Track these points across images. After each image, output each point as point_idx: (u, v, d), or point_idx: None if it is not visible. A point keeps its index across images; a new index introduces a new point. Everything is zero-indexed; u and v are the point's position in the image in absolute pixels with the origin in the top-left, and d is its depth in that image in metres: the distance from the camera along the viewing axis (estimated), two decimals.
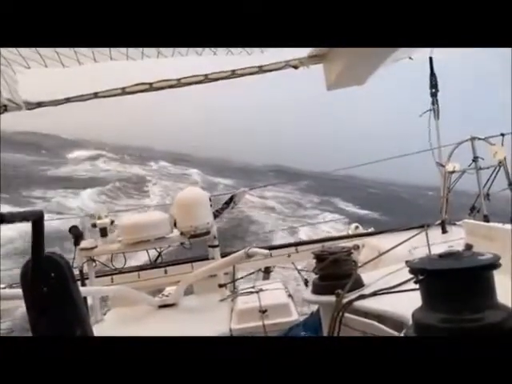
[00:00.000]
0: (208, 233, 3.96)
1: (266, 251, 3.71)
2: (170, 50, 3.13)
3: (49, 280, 1.67)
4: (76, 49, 2.90)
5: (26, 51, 2.89)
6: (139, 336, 1.32)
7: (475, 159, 4.69)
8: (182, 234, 3.93)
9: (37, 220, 1.69)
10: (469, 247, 2.03)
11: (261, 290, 3.80)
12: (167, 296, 4.21)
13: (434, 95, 5.15)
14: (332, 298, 2.02)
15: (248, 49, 3.34)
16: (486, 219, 4.46)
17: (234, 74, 3.83)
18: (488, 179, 4.64)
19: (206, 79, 3.83)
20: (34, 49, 2.83)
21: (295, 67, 3.80)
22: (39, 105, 3.92)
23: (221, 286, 4.08)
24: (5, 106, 3.54)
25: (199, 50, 3.21)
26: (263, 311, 3.37)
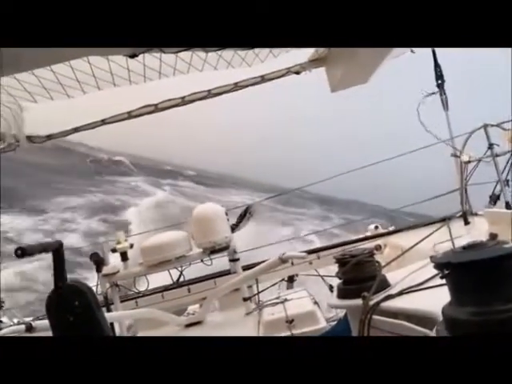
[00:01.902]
0: (228, 247, 3.94)
1: (303, 254, 3.54)
2: (170, 69, 3.17)
3: (74, 309, 1.68)
4: (79, 78, 2.95)
5: (31, 87, 2.94)
6: (166, 336, 1.32)
7: (491, 146, 4.58)
8: (201, 250, 3.92)
9: (56, 250, 1.71)
10: (493, 236, 1.97)
11: (286, 299, 3.76)
12: (193, 314, 4.19)
13: (440, 86, 5.09)
14: (358, 302, 1.98)
15: (248, 60, 3.35)
16: (508, 206, 4.35)
17: (237, 87, 3.84)
18: (505, 166, 4.53)
19: (210, 94, 3.85)
20: (39, 83, 2.89)
21: (297, 73, 3.80)
22: (49, 137, 4.00)
23: (245, 299, 4.05)
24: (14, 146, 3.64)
25: (199, 66, 3.23)
26: (290, 321, 3.33)
